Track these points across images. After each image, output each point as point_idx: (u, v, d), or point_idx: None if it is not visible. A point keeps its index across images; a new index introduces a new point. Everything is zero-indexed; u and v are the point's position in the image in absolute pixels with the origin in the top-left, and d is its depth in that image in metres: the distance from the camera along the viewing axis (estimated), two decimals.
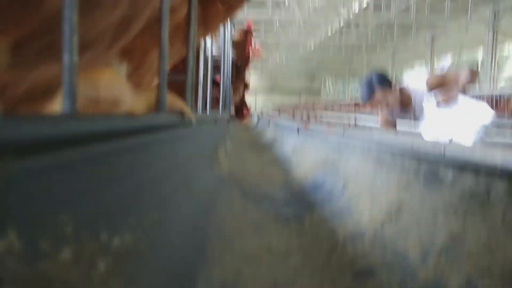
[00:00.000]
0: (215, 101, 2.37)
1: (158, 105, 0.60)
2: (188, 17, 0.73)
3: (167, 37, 0.60)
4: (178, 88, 0.84)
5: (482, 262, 0.60)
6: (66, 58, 0.39)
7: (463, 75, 2.13)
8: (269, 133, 4.55)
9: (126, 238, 0.43)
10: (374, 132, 1.65)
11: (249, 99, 4.88)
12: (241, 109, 4.26)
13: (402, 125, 2.69)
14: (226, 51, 2.56)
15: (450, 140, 2.10)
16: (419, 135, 2.52)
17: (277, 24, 13.87)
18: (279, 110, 15.79)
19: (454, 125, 2.13)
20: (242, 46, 3.55)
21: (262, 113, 10.25)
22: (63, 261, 0.32)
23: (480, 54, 13.08)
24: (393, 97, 2.28)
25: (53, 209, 0.33)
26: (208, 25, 0.97)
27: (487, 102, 5.36)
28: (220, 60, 2.48)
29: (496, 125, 4.78)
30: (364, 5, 11.61)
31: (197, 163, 1.05)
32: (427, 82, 2.24)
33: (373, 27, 12.99)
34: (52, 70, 0.42)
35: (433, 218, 0.75)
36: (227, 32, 2.55)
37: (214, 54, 2.27)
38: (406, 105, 2.33)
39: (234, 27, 3.10)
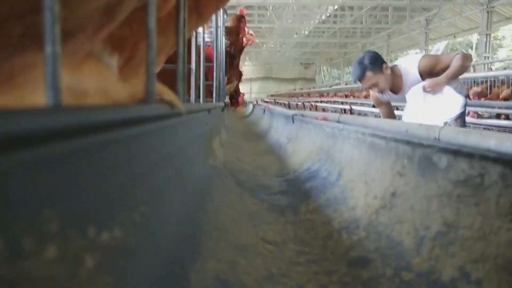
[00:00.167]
0: (208, 90, 2.34)
1: (147, 96, 0.59)
2: (177, 1, 0.70)
3: (155, 25, 0.58)
4: (170, 78, 0.82)
5: (476, 248, 0.60)
6: (48, 48, 0.37)
7: (456, 61, 2.12)
8: (264, 121, 4.54)
9: (115, 233, 0.42)
10: (369, 119, 1.64)
11: (243, 87, 4.86)
12: (235, 97, 4.23)
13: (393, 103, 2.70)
14: (219, 38, 2.52)
15: (445, 123, 2.11)
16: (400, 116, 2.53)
17: (271, 9, 13.69)
18: (274, 97, 15.74)
19: (428, 113, 2.14)
20: (235, 32, 3.50)
21: (257, 101, 10.21)
22: (47, 260, 0.31)
23: (474, 37, 13.04)
24: (384, 77, 2.28)
25: (37, 205, 0.32)
26: (201, 12, 0.95)
27: (482, 85, 5.37)
28: (213, 47, 2.44)
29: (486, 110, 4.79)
30: None
31: (191, 153, 1.04)
32: (419, 65, 2.24)
33: (367, 9, 12.85)
34: (31, 59, 0.41)
35: (427, 204, 0.75)
36: (220, 18, 2.50)
37: (206, 41, 2.24)
38: (396, 85, 2.33)
39: (226, 13, 3.05)
